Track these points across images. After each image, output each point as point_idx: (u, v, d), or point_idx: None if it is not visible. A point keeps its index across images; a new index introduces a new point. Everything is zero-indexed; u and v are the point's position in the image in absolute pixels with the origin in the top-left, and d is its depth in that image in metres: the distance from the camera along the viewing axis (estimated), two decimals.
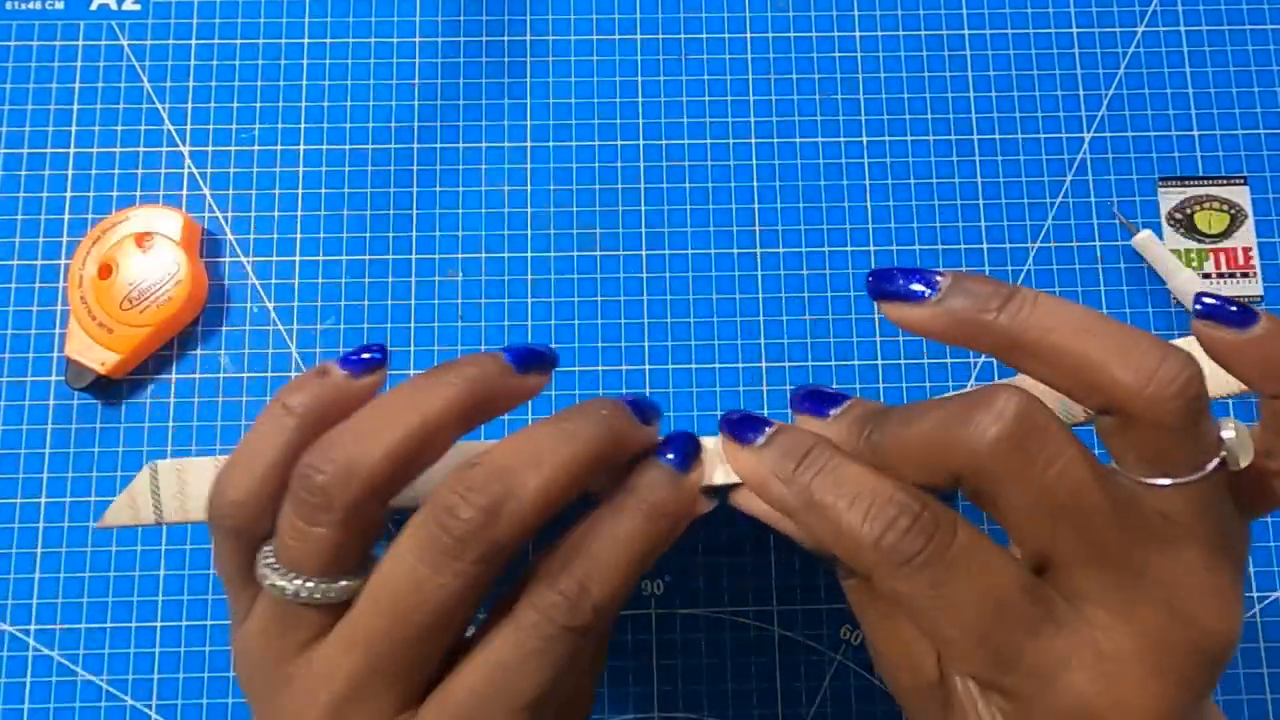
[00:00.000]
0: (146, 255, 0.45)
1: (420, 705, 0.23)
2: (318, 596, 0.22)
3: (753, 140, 0.49)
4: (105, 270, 0.45)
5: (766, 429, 0.23)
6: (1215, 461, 0.21)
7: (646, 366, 0.46)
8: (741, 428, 0.23)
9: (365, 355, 0.25)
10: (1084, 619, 0.21)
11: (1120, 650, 0.20)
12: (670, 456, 0.24)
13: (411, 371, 0.47)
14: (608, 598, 0.22)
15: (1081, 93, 0.49)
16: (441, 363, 0.24)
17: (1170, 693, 0.20)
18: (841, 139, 0.48)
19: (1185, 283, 0.46)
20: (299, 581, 0.22)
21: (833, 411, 0.24)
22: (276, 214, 0.48)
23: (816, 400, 0.24)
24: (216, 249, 0.47)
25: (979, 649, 0.20)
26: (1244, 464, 0.21)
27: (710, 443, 0.25)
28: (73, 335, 0.45)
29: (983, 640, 0.20)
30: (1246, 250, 0.48)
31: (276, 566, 0.23)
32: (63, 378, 0.45)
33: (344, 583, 0.23)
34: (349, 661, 0.22)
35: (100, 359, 0.44)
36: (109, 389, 0.46)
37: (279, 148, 0.48)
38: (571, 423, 0.23)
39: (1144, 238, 0.46)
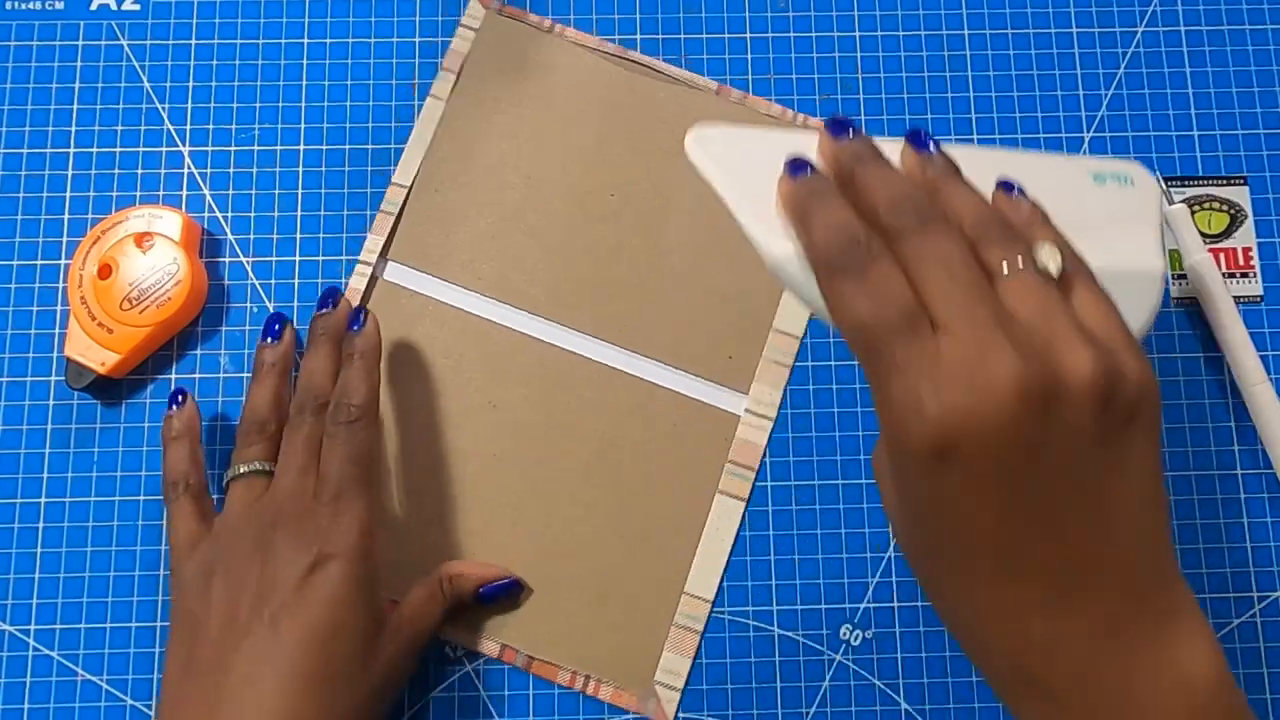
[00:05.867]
0: (146, 255, 0.45)
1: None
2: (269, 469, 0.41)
3: None
4: (105, 270, 0.45)
5: (809, 170, 0.31)
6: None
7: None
8: (795, 166, 0.31)
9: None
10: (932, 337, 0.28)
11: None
12: (354, 328, 0.43)
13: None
14: (362, 402, 0.41)
15: (1081, 93, 0.49)
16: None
17: None
18: None
19: (1200, 264, 0.46)
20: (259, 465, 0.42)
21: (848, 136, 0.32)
22: (276, 214, 0.48)
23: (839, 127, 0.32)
24: (216, 249, 0.47)
25: (862, 340, 0.28)
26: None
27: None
28: (73, 335, 0.45)
29: (868, 332, 0.28)
30: (1246, 250, 0.48)
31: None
32: (62, 378, 0.45)
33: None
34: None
35: (100, 359, 0.44)
36: (109, 389, 0.46)
37: (279, 148, 0.48)
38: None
39: (1177, 210, 0.47)
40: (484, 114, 0.48)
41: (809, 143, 0.33)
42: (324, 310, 0.44)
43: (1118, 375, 0.27)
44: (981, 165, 0.33)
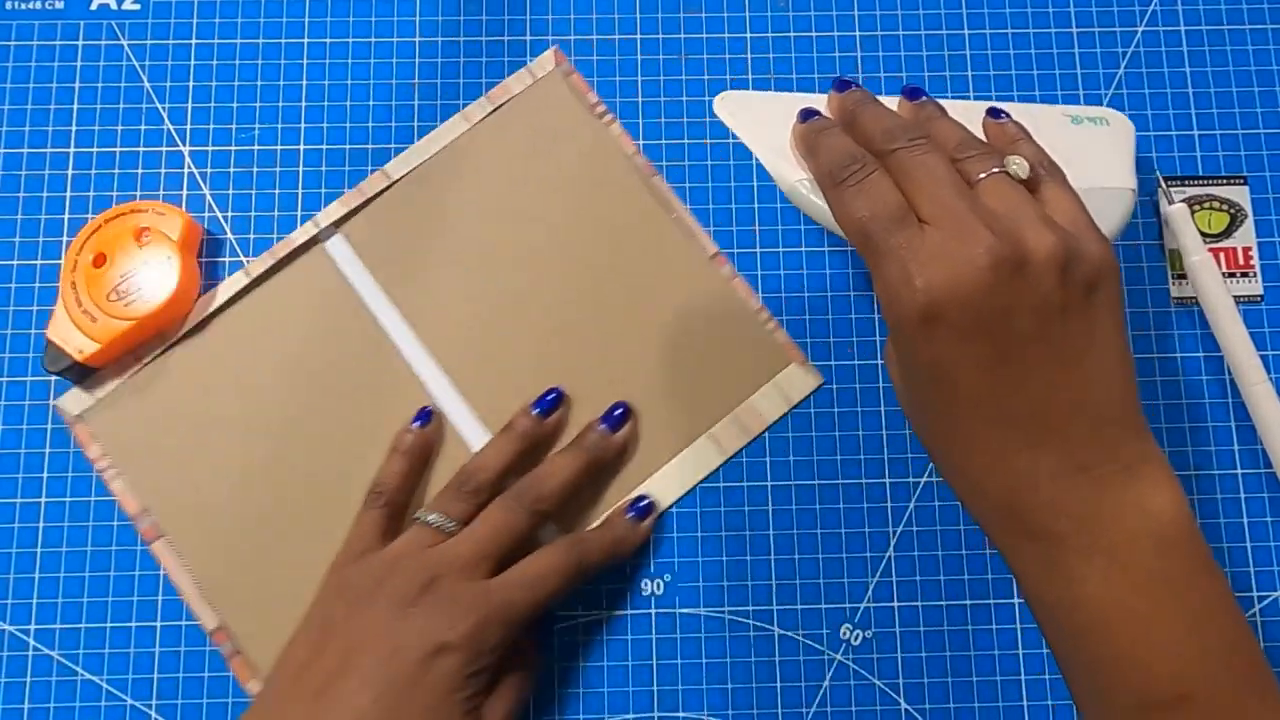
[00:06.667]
0: (142, 251, 0.45)
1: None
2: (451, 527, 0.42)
3: None
4: (100, 259, 0.45)
5: (818, 115, 0.38)
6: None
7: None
8: (806, 113, 0.38)
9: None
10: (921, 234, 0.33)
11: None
12: (603, 426, 0.45)
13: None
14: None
15: (1082, 93, 0.49)
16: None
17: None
18: None
19: (1200, 264, 0.46)
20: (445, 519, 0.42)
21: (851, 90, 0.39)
22: (276, 214, 0.48)
23: (843, 84, 0.39)
24: (216, 249, 0.47)
25: (861, 236, 0.34)
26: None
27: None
28: (57, 318, 0.44)
29: (865, 228, 0.34)
30: (1246, 250, 0.48)
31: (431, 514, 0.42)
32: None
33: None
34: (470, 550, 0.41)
35: (79, 346, 0.44)
36: (85, 376, 0.45)
37: (279, 148, 0.48)
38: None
39: (1177, 210, 0.47)
40: (497, 154, 0.48)
41: (817, 102, 0.39)
42: (606, 426, 0.45)
43: (1077, 252, 0.33)
44: (970, 115, 0.38)
